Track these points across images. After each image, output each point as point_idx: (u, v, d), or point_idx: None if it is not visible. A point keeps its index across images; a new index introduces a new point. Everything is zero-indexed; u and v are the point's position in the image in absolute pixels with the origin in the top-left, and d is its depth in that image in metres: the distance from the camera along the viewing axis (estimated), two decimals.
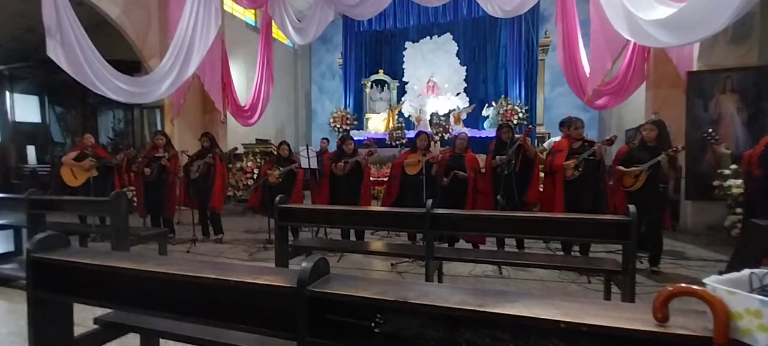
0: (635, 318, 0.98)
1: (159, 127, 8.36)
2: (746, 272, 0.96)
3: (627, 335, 0.95)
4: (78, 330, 1.80)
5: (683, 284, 0.92)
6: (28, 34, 8.79)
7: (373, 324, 1.24)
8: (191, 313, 1.47)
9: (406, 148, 5.10)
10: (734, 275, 0.97)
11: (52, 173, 8.94)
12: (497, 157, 4.35)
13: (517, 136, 4.63)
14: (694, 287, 0.92)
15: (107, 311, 1.81)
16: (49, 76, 8.87)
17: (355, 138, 5.49)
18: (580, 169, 4.06)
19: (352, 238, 4.79)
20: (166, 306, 1.51)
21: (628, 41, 5.74)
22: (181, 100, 7.88)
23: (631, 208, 2.54)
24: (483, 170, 4.68)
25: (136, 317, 1.78)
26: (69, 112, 9.56)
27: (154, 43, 7.84)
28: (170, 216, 5.53)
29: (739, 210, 4.66)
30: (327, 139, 6.50)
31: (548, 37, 9.98)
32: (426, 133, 4.96)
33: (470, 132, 8.88)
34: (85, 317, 1.88)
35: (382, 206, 4.74)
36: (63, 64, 5.40)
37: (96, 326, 1.82)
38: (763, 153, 2.89)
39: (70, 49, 5.42)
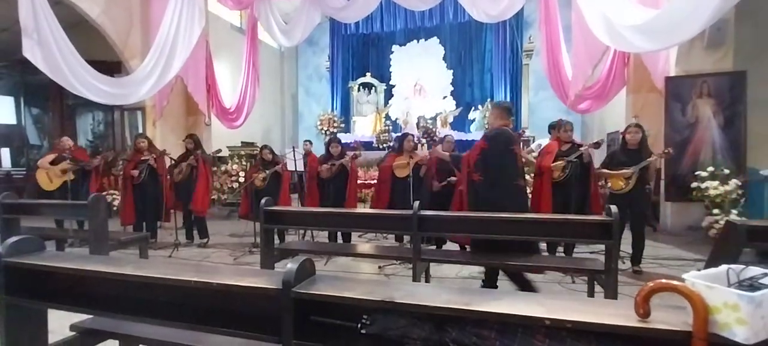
0: (618, 314, 0.99)
1: (140, 130, 8.19)
2: (724, 267, 0.99)
3: (610, 330, 0.96)
4: (53, 337, 1.73)
5: (664, 280, 0.94)
6: (4, 33, 8.50)
7: (359, 325, 1.23)
8: (173, 317, 1.43)
9: (392, 152, 5.10)
10: (712, 270, 1.00)
11: (29, 176, 8.66)
12: None
13: None
14: (674, 282, 0.94)
15: (84, 317, 1.75)
16: (25, 77, 8.60)
17: (342, 141, 5.48)
18: (567, 170, 4.13)
19: (340, 241, 4.76)
20: (146, 311, 1.47)
21: (608, 47, 5.88)
22: (163, 102, 7.72)
23: (613, 208, 2.59)
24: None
25: (115, 323, 1.72)
26: (46, 113, 9.27)
27: (136, 43, 7.67)
28: (166, 219, 5.41)
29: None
30: (310, 142, 6.45)
31: (532, 43, 10.14)
32: (412, 134, 4.98)
33: (457, 135, 8.93)
34: (61, 324, 1.81)
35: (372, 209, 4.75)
36: (40, 64, 5.23)
37: (73, 333, 1.76)
38: (479, 158, 3.07)
39: (48, 49, 5.26)
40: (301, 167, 5.20)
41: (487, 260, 3.12)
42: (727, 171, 5.32)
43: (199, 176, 5.36)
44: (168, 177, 5.46)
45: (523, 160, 4.63)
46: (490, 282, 3.27)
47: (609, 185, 4.04)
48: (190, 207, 5.36)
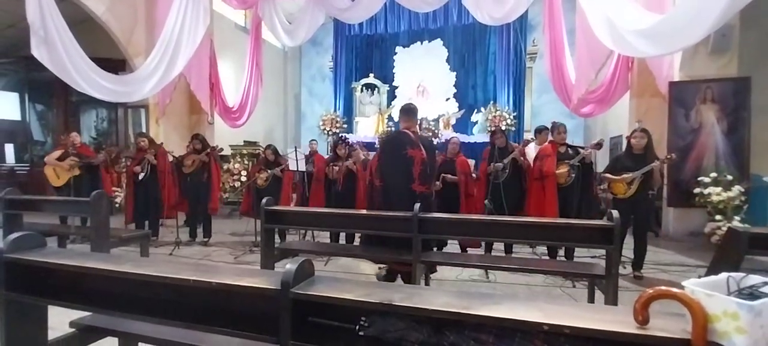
0: (617, 320, 0.99)
1: (144, 127, 8.23)
2: (724, 275, 0.98)
3: (608, 337, 0.95)
4: (53, 334, 1.74)
5: (663, 287, 0.94)
6: (9, 30, 8.55)
7: (357, 327, 1.23)
8: (172, 316, 1.43)
9: None
10: (712, 278, 0.99)
11: (32, 172, 8.70)
12: (492, 164, 4.38)
13: (511, 143, 4.69)
14: (674, 289, 0.93)
15: (84, 314, 1.76)
16: (30, 73, 8.64)
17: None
18: (573, 174, 4.12)
19: (342, 242, 4.76)
20: (145, 309, 1.47)
21: (611, 52, 5.86)
22: (166, 100, 7.75)
23: (615, 213, 2.58)
24: (475, 176, 4.72)
25: (115, 321, 1.73)
26: (50, 110, 9.30)
27: (140, 41, 7.70)
28: (167, 215, 5.45)
29: None
30: (316, 141, 6.45)
31: (536, 46, 10.13)
32: None
33: (460, 137, 8.94)
34: (60, 321, 1.81)
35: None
36: (46, 62, 5.27)
37: (72, 330, 1.77)
38: (378, 165, 3.26)
39: (53, 47, 5.29)
40: (303, 167, 5.22)
41: (378, 254, 3.31)
42: (730, 177, 5.29)
43: (212, 175, 5.40)
44: (172, 174, 5.49)
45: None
46: (390, 277, 3.35)
47: (611, 189, 4.02)
48: (207, 210, 5.39)
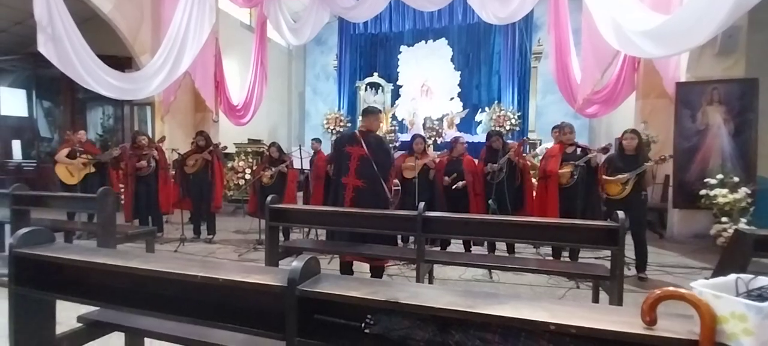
0: (623, 321, 0.99)
1: (149, 124, 8.27)
2: (732, 276, 0.98)
3: (615, 337, 0.95)
4: (60, 328, 1.76)
5: (671, 288, 0.94)
6: (17, 26, 8.62)
7: (363, 325, 1.24)
8: (178, 312, 1.44)
9: (402, 152, 5.13)
10: (721, 279, 0.99)
11: (39, 169, 8.78)
12: (489, 165, 4.39)
13: (508, 142, 4.69)
14: (682, 290, 0.93)
15: (91, 309, 1.77)
16: (37, 70, 8.71)
17: None
18: (575, 175, 4.11)
19: None
20: (152, 305, 1.49)
21: (617, 52, 5.83)
22: (170, 97, 7.78)
23: (620, 214, 2.57)
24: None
25: (121, 316, 1.74)
26: (57, 106, 9.37)
27: (146, 39, 7.74)
28: (165, 210, 5.49)
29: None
30: (319, 140, 6.46)
31: (541, 46, 10.08)
32: (422, 136, 5.00)
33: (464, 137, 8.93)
34: (68, 316, 1.83)
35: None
36: (53, 59, 5.30)
37: (79, 325, 1.78)
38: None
39: (61, 44, 5.32)
40: (307, 165, 5.24)
41: (344, 249, 3.49)
42: (736, 179, 5.25)
43: (215, 173, 5.43)
44: (172, 172, 5.52)
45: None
46: (346, 270, 3.54)
47: (606, 190, 4.04)
48: (211, 208, 5.42)
